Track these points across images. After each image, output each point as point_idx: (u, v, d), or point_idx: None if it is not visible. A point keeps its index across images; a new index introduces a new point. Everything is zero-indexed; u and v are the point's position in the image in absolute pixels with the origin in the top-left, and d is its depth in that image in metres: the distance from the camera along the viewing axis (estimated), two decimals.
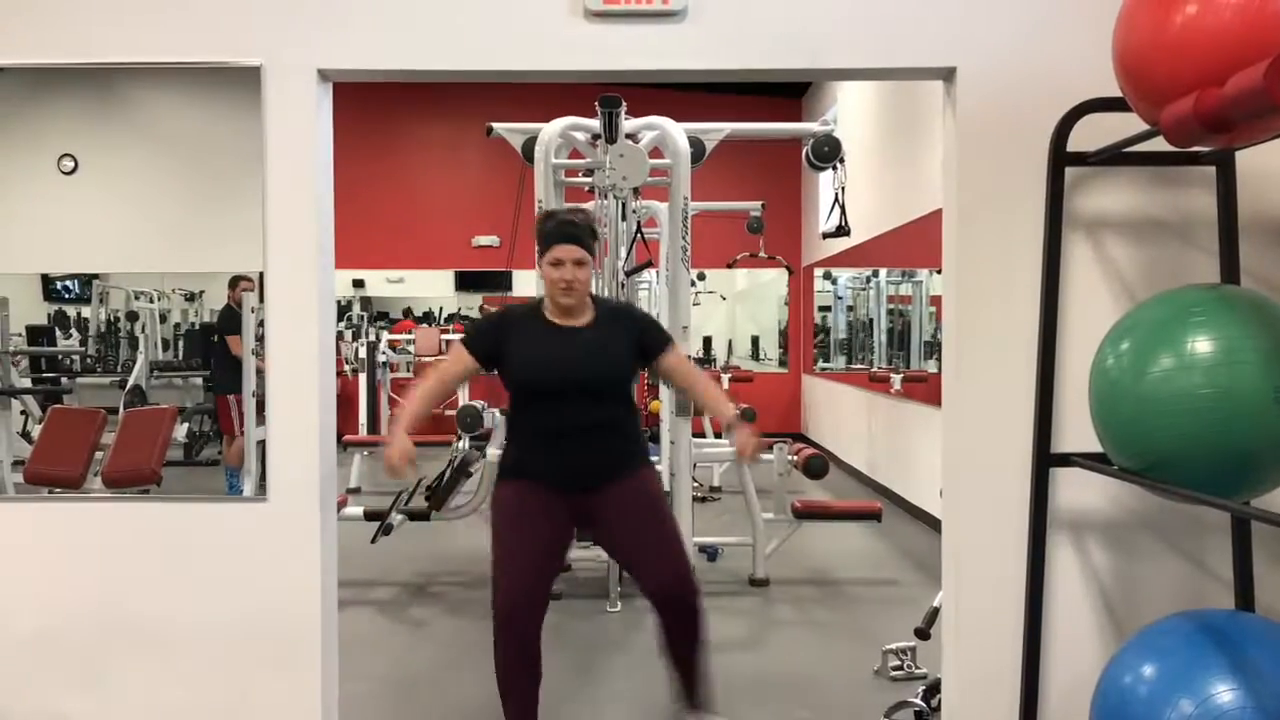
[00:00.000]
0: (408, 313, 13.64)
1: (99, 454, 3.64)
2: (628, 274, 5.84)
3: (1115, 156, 2.76)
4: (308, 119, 3.04)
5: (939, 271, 3.12)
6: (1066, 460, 2.85)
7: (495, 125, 6.19)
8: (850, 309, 10.92)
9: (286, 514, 3.07)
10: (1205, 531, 2.93)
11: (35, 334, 5.99)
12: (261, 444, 3.08)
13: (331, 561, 3.20)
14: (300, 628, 3.09)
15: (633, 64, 3.02)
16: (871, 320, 9.76)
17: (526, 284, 6.61)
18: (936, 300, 7.56)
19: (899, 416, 8.46)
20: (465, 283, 13.21)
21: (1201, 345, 2.32)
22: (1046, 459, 2.88)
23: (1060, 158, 2.84)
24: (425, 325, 13.25)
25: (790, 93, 12.43)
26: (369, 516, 5.76)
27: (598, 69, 3.04)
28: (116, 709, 3.09)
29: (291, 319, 3.08)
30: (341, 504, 5.74)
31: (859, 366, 10.21)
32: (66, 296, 6.47)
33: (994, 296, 2.99)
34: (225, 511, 3.14)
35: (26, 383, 6.13)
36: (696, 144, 5.85)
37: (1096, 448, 2.64)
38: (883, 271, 9.33)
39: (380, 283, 13.27)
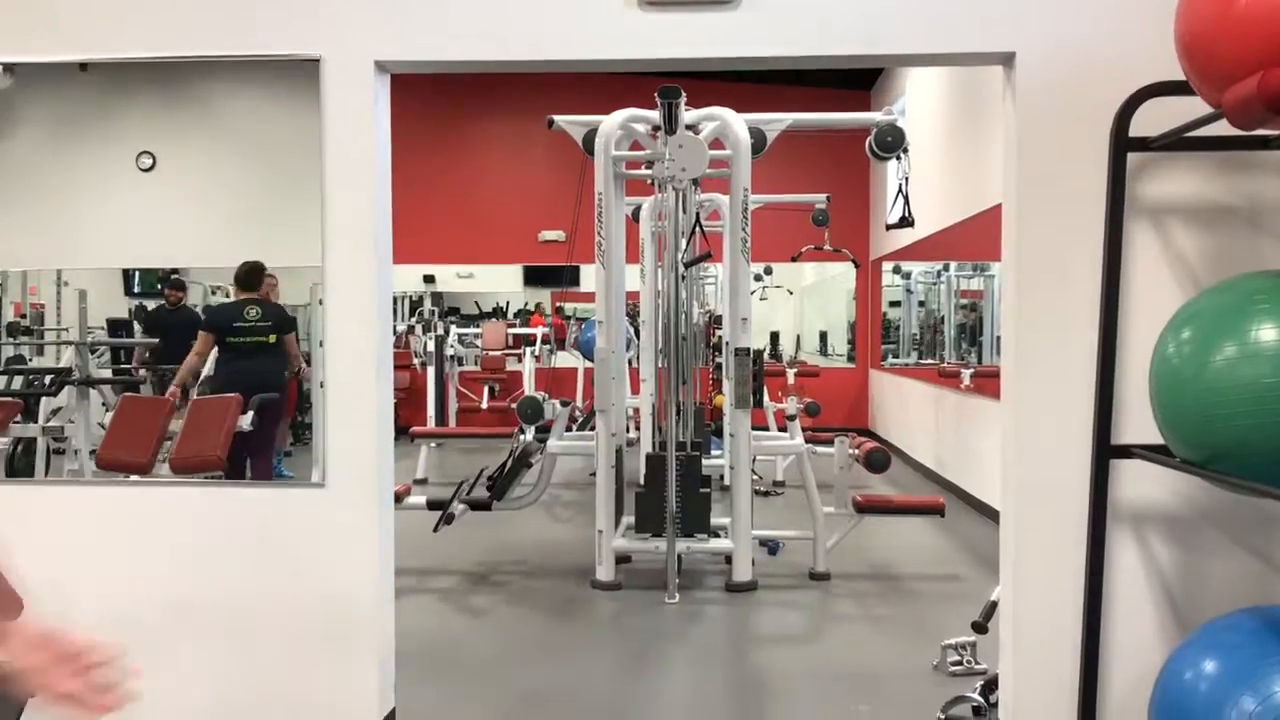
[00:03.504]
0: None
1: (167, 441, 3.73)
2: (686, 265, 5.85)
3: (1179, 141, 2.69)
4: (365, 110, 3.09)
5: None
6: (1127, 452, 2.78)
7: (556, 118, 6.24)
8: (921, 303, 10.77)
9: (344, 500, 3.12)
10: (1274, 525, 2.84)
11: (115, 326, 6.17)
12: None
13: (388, 547, 3.24)
14: (356, 611, 3.14)
15: (686, 52, 3.02)
16: (942, 315, 9.62)
17: (590, 278, 6.60)
18: None
19: (967, 412, 8.34)
20: (533, 278, 13.33)
21: (1267, 333, 2.24)
22: (1107, 450, 2.81)
23: (1122, 143, 2.77)
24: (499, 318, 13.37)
25: (859, 84, 12.30)
26: (431, 506, 5.82)
27: (651, 57, 3.04)
28: (180, 687, 3.17)
29: (350, 310, 3.12)
30: (404, 493, 5.83)
31: (928, 362, 10.07)
32: (145, 291, 6.64)
33: (1054, 284, 2.93)
34: (285, 497, 3.20)
35: (106, 373, 6.31)
36: (758, 135, 5.83)
37: (1158, 439, 2.57)
38: (953, 265, 9.18)
39: (450, 278, 13.43)
